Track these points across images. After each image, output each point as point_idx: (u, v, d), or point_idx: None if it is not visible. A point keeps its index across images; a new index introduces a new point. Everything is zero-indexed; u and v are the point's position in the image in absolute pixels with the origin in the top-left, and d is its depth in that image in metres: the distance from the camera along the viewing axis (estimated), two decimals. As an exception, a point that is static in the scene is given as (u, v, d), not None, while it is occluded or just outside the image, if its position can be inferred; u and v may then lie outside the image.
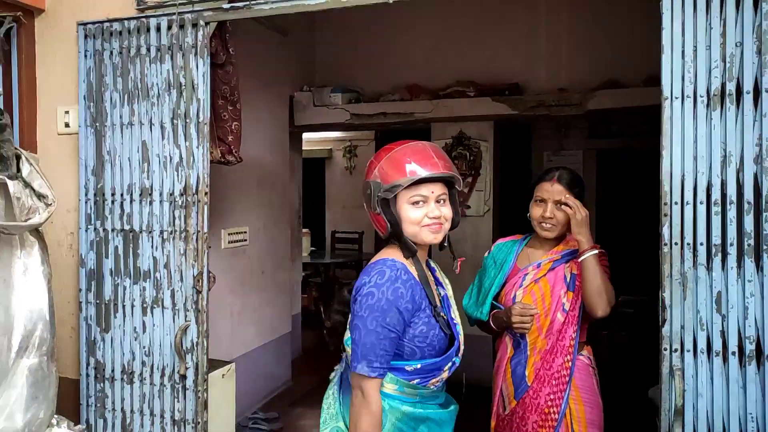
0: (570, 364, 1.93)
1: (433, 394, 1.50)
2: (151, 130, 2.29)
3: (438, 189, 1.48)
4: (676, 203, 1.71)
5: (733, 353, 1.66)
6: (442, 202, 1.49)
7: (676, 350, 1.71)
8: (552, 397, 1.92)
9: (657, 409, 1.86)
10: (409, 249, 1.48)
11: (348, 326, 1.54)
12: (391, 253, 1.49)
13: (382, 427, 1.41)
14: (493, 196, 4.77)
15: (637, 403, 3.11)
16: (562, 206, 1.91)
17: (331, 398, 1.59)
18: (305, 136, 5.55)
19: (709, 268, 1.68)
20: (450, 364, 1.48)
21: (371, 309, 1.39)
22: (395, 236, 1.49)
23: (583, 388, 1.94)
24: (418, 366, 1.44)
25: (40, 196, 1.82)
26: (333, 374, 1.65)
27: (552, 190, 1.94)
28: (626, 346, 4.18)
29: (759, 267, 1.63)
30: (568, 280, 1.98)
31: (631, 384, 4.18)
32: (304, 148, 5.49)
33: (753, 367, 1.64)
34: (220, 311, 3.63)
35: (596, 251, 1.86)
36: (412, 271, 1.47)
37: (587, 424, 1.92)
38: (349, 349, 1.52)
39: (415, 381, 1.45)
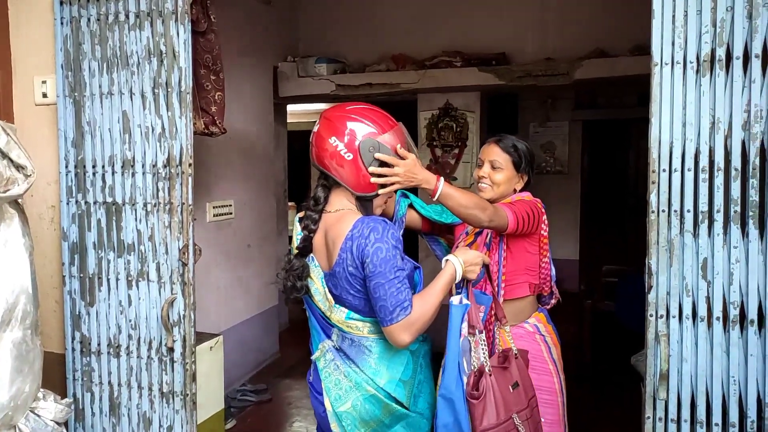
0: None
1: None
2: (131, 100, 2.23)
3: None
4: (664, 170, 1.71)
5: (718, 319, 1.68)
6: None
7: (662, 316, 1.73)
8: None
9: (640, 376, 1.90)
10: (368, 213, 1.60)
11: (340, 299, 1.54)
12: (357, 214, 1.56)
13: (411, 371, 1.57)
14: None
15: (621, 371, 3.16)
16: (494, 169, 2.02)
17: (337, 374, 1.59)
18: (290, 108, 5.47)
19: (695, 234, 1.69)
20: None
21: (385, 261, 1.44)
22: (364, 199, 1.59)
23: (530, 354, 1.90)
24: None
25: (19, 167, 1.77)
26: (318, 353, 1.65)
27: (488, 150, 2.06)
28: (611, 315, 4.24)
29: (745, 233, 1.65)
30: (487, 241, 2.02)
31: (616, 352, 4.26)
32: (288, 120, 5.42)
33: (736, 332, 1.66)
34: (207, 285, 3.61)
35: (442, 180, 1.71)
36: None
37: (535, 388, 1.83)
38: (350, 323, 1.54)
39: None
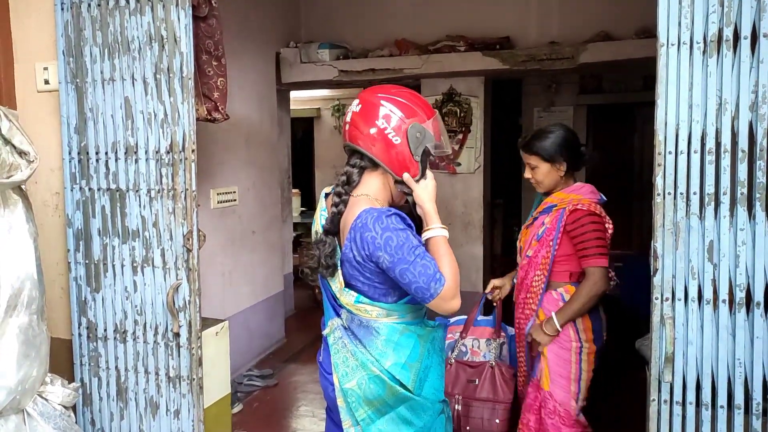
0: (532, 299, 2.31)
1: (423, 314, 1.67)
2: (133, 86, 2.22)
3: None
4: (670, 153, 1.70)
5: (724, 301, 1.67)
6: None
7: (667, 299, 1.72)
8: (522, 317, 2.38)
9: (644, 360, 1.91)
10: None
11: (349, 283, 1.55)
12: (368, 203, 1.54)
13: (418, 355, 1.58)
14: (484, 153, 4.75)
15: (626, 354, 3.17)
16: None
17: (344, 351, 1.60)
18: (293, 95, 5.45)
19: (701, 217, 1.68)
20: None
21: (400, 248, 1.44)
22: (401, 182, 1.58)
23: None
24: None
25: (22, 153, 1.76)
26: (328, 330, 1.66)
27: (522, 155, 2.33)
28: (615, 299, 4.23)
29: (751, 215, 1.63)
30: (539, 230, 2.30)
31: (620, 336, 4.26)
32: (291, 107, 5.40)
33: (742, 315, 1.66)
34: (212, 271, 3.63)
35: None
36: None
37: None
38: (359, 306, 1.56)
39: (419, 306, 1.61)
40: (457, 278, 1.49)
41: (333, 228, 1.59)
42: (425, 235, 1.55)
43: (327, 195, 1.68)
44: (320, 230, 1.62)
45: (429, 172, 1.60)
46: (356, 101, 1.60)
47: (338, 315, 1.64)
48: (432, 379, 1.62)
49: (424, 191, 1.57)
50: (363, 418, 1.58)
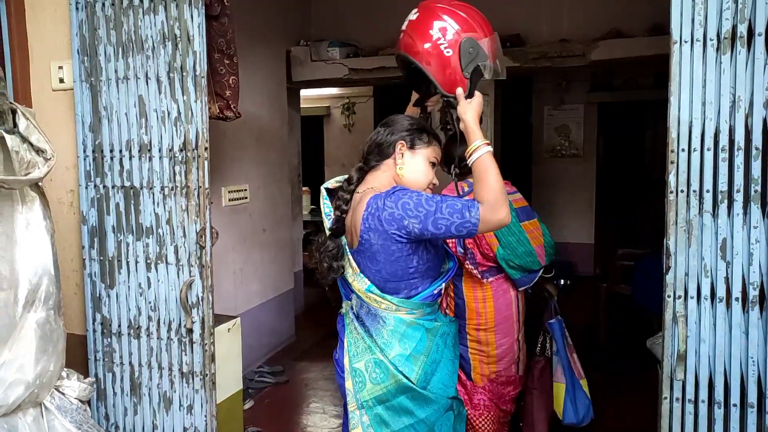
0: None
1: (437, 311, 1.67)
2: (147, 85, 2.25)
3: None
4: (683, 150, 1.69)
5: (737, 299, 1.67)
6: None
7: (680, 297, 1.72)
8: None
9: (655, 358, 1.91)
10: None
11: (363, 272, 1.57)
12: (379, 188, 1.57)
13: (425, 348, 1.57)
14: (494, 151, 4.73)
15: (637, 353, 3.16)
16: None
17: (355, 333, 1.62)
18: (303, 94, 5.46)
19: (714, 215, 1.68)
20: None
21: (418, 205, 1.44)
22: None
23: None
24: (441, 287, 1.62)
25: (39, 151, 1.79)
26: (344, 309, 1.69)
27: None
28: (626, 298, 4.23)
29: (765, 213, 1.63)
30: None
31: (631, 335, 4.25)
32: (302, 106, 5.41)
33: (756, 312, 1.65)
34: (223, 268, 3.65)
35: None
36: None
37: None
38: (370, 295, 1.58)
39: (431, 301, 1.61)
40: (500, 192, 1.42)
41: (338, 230, 1.61)
42: (471, 158, 1.48)
43: (328, 190, 1.71)
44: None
45: (477, 93, 1.53)
46: (414, 9, 1.57)
47: (348, 298, 1.67)
48: (441, 375, 1.61)
49: (470, 108, 1.51)
50: (366, 401, 1.58)
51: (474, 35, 1.50)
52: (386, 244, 1.49)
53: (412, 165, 1.61)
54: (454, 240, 2.27)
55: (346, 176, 1.65)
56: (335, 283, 1.69)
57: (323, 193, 1.73)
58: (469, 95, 1.53)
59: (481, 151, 1.47)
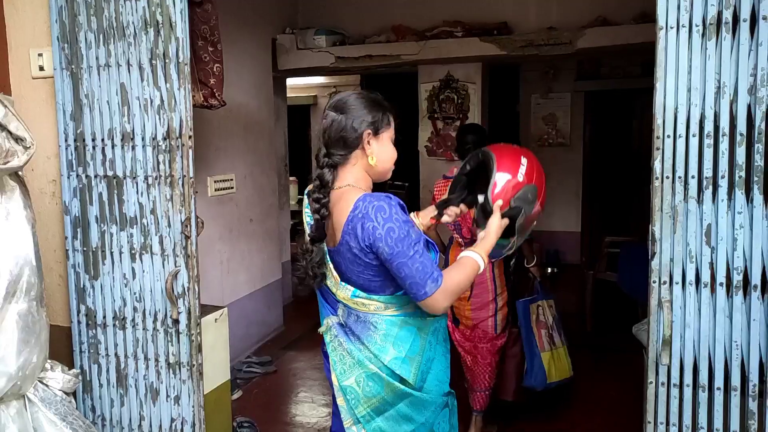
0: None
1: None
2: (129, 72, 2.21)
3: None
4: (668, 136, 1.70)
5: (721, 284, 1.68)
6: None
7: (665, 282, 1.73)
8: None
9: (641, 344, 1.93)
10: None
11: (345, 276, 1.54)
12: (359, 191, 1.51)
13: (419, 348, 1.56)
14: (482, 140, 4.72)
15: (623, 339, 3.19)
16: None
17: (341, 350, 1.59)
18: (289, 82, 5.42)
19: (699, 200, 1.69)
20: None
21: (401, 240, 1.42)
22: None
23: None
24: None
25: (18, 139, 1.75)
26: (324, 328, 1.65)
27: None
28: (612, 285, 4.26)
29: (749, 199, 1.64)
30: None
31: (617, 322, 4.29)
32: (288, 95, 5.37)
33: (740, 297, 1.67)
34: (210, 259, 3.63)
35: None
36: None
37: None
38: (357, 300, 1.54)
39: None
40: (458, 293, 1.50)
41: (319, 235, 1.56)
42: (467, 251, 1.55)
43: (308, 194, 1.63)
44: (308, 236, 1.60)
45: (505, 220, 1.62)
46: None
47: (334, 312, 1.61)
48: (436, 371, 1.60)
49: (499, 225, 1.60)
50: (363, 415, 1.56)
51: (537, 190, 1.65)
52: (363, 251, 1.47)
53: (380, 152, 1.57)
54: None
55: (317, 178, 1.56)
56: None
57: (305, 201, 1.67)
58: (503, 217, 1.62)
59: (479, 258, 1.55)
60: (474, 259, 1.54)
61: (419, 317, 1.57)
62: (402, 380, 1.54)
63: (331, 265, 1.57)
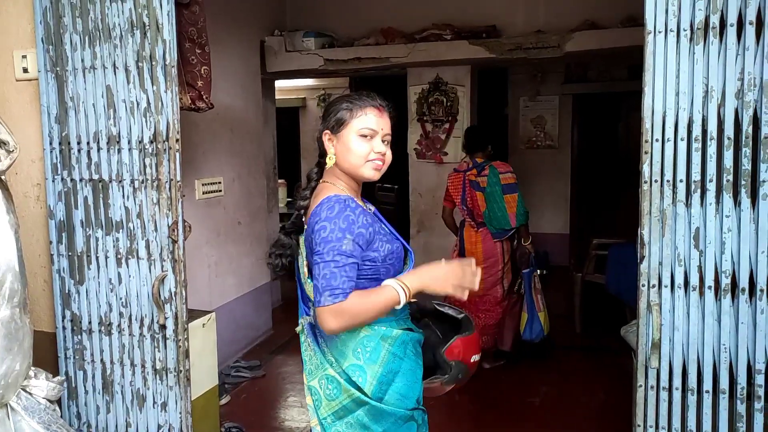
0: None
1: (405, 315, 1.57)
2: (115, 74, 2.18)
3: (387, 128, 1.54)
4: (657, 140, 1.71)
5: (710, 287, 1.69)
6: (387, 143, 1.54)
7: (654, 286, 1.74)
8: None
9: (629, 346, 1.93)
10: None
11: (312, 273, 1.53)
12: (333, 190, 1.51)
13: (379, 358, 1.50)
14: (471, 143, 4.73)
15: (611, 341, 3.21)
16: None
17: (309, 350, 1.59)
18: (278, 84, 5.39)
19: (688, 204, 1.69)
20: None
21: (326, 241, 1.41)
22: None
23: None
24: None
25: (1, 143, 1.72)
26: (299, 327, 1.64)
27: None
28: (600, 287, 4.28)
29: (737, 202, 1.65)
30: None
31: (605, 323, 4.31)
32: (276, 97, 5.34)
33: (728, 301, 1.67)
34: (198, 262, 3.59)
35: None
36: (357, 200, 1.52)
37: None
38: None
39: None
40: (356, 320, 1.41)
41: (293, 227, 1.60)
42: (391, 281, 1.45)
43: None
44: None
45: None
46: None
47: (308, 312, 1.60)
48: (399, 386, 1.51)
49: (435, 278, 1.49)
50: (324, 418, 1.54)
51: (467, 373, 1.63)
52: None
53: (340, 150, 1.52)
54: (459, 200, 3.69)
55: (307, 176, 1.63)
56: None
57: None
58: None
59: (396, 287, 1.44)
60: (396, 291, 1.43)
61: (384, 326, 1.51)
62: (359, 388, 1.49)
63: (305, 262, 1.57)
